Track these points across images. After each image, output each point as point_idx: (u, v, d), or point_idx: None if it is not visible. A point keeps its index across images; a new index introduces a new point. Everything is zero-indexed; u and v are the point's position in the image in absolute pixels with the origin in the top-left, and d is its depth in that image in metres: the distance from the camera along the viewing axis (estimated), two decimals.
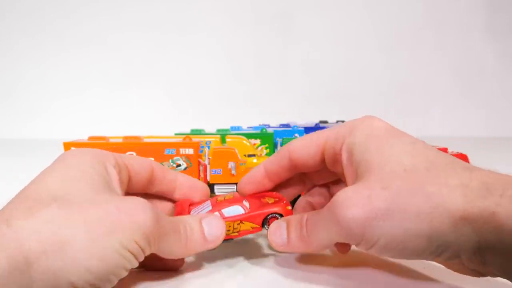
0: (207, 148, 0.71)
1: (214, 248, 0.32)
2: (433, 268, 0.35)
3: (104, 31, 1.88)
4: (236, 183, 0.62)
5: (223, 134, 0.77)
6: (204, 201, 0.37)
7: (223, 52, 1.93)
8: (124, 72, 1.88)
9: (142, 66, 1.89)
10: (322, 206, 0.38)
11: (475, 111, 1.92)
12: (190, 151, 0.65)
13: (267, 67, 1.94)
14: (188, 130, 0.91)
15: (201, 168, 0.59)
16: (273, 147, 0.83)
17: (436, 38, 1.97)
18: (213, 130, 0.91)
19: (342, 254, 0.36)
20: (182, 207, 0.36)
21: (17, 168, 0.98)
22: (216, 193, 0.62)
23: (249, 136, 0.81)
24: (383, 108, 1.88)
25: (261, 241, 0.42)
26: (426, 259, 0.27)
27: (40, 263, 0.23)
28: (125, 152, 0.64)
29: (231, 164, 0.61)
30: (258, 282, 0.33)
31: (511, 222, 0.23)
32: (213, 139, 0.74)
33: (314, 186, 0.39)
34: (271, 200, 0.36)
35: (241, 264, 0.36)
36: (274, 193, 0.38)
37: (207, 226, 0.31)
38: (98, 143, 0.64)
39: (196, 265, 0.36)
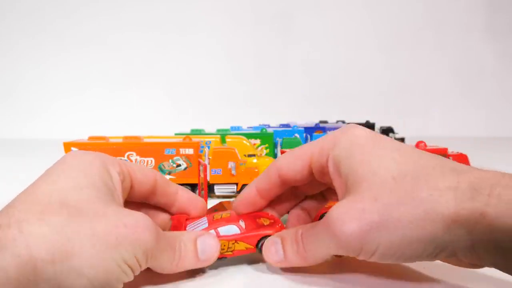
0: (207, 148, 0.71)
1: (207, 267, 0.32)
2: (433, 268, 0.35)
3: (104, 31, 1.88)
4: (236, 183, 0.62)
5: (223, 134, 0.77)
6: (200, 217, 0.38)
7: (223, 52, 1.93)
8: (124, 72, 1.88)
9: (142, 66, 1.89)
10: (316, 211, 0.38)
11: (475, 111, 1.92)
12: (190, 151, 0.65)
13: (267, 67, 1.94)
14: (188, 130, 0.91)
15: (201, 168, 0.59)
16: (273, 147, 0.83)
17: (436, 38, 1.97)
18: (213, 130, 0.91)
19: (342, 258, 0.36)
20: (179, 221, 0.37)
21: (17, 168, 0.98)
22: (216, 193, 0.62)
23: (249, 136, 0.81)
24: (383, 108, 1.88)
25: None
26: (425, 260, 0.27)
27: (47, 272, 0.24)
28: (125, 152, 0.64)
29: (231, 164, 0.61)
30: (257, 282, 0.33)
31: (500, 221, 0.23)
32: (213, 139, 0.74)
33: (307, 197, 0.39)
34: (266, 222, 0.36)
35: (241, 266, 0.36)
36: (270, 214, 0.38)
37: (201, 245, 0.32)
38: (98, 143, 0.64)
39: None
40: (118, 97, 1.86)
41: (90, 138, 0.67)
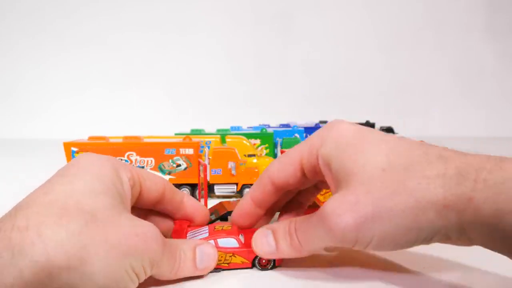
0: (207, 148, 0.71)
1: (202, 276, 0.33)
2: (433, 268, 0.35)
3: (104, 31, 1.88)
4: (236, 183, 0.62)
5: (223, 134, 0.77)
6: (202, 225, 0.38)
7: (223, 52, 1.93)
8: (124, 72, 1.88)
9: (142, 66, 1.89)
10: (308, 202, 0.39)
11: (475, 111, 1.92)
12: (190, 151, 0.65)
13: (267, 67, 1.94)
14: (188, 130, 0.91)
15: (201, 168, 0.59)
16: (273, 147, 0.83)
17: (436, 38, 1.97)
18: (213, 130, 0.91)
19: (341, 256, 0.36)
20: (180, 227, 0.37)
21: (17, 168, 0.98)
22: (216, 193, 0.62)
23: (249, 136, 0.81)
24: (383, 108, 1.88)
25: None
26: (419, 245, 0.28)
27: (61, 277, 0.24)
28: (125, 152, 0.64)
29: (231, 164, 0.61)
30: (258, 281, 0.33)
31: (486, 205, 0.24)
32: (213, 139, 0.74)
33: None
34: None
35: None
36: None
37: (200, 255, 0.32)
38: (98, 143, 0.64)
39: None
40: (118, 97, 1.86)
41: (90, 138, 0.67)
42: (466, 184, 0.25)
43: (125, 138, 0.67)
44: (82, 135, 0.71)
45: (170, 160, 0.65)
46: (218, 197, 0.62)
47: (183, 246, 0.32)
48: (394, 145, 0.29)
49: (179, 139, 0.69)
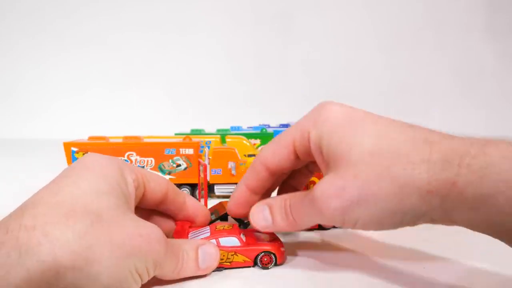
0: (207, 148, 0.71)
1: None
2: (433, 268, 0.35)
3: (104, 31, 1.88)
4: (236, 183, 0.62)
5: (223, 134, 0.77)
6: (203, 226, 0.39)
7: (223, 52, 1.93)
8: (124, 72, 1.88)
9: (142, 66, 1.89)
10: (302, 185, 0.40)
11: (475, 111, 1.92)
12: (190, 151, 0.65)
13: (267, 67, 1.94)
14: (188, 130, 0.91)
15: (201, 168, 0.59)
16: None
17: (436, 38, 1.97)
18: (213, 130, 0.91)
19: (342, 256, 0.36)
20: (182, 227, 0.38)
21: (17, 168, 0.98)
22: (216, 193, 0.62)
23: (249, 136, 0.81)
24: (383, 108, 1.87)
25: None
26: (405, 227, 0.30)
27: (67, 277, 0.24)
28: (125, 152, 0.64)
29: (231, 164, 0.61)
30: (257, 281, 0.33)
31: (470, 189, 0.25)
32: (213, 139, 0.74)
33: (293, 172, 0.40)
34: (267, 238, 0.37)
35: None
36: (272, 233, 0.39)
37: (202, 254, 0.33)
38: (98, 143, 0.64)
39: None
40: (118, 97, 1.86)
41: (90, 138, 0.67)
42: (450, 170, 0.26)
43: (125, 138, 0.67)
44: (82, 135, 0.71)
45: (170, 160, 0.65)
46: (218, 197, 0.62)
47: (186, 246, 0.32)
48: (382, 128, 0.30)
49: (179, 139, 0.69)
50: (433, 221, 0.28)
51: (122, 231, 0.27)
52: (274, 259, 0.35)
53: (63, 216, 0.25)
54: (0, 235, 0.24)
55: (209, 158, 0.63)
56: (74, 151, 0.62)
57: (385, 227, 0.30)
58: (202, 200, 0.57)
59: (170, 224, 0.39)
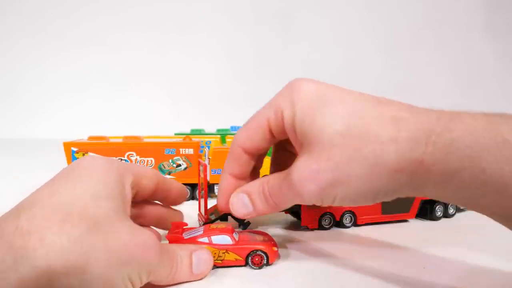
0: (207, 148, 0.71)
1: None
2: (433, 268, 0.35)
3: (104, 31, 1.88)
4: None
5: (223, 134, 0.77)
6: (196, 226, 0.39)
7: (223, 52, 1.93)
8: (124, 72, 1.88)
9: (142, 66, 1.89)
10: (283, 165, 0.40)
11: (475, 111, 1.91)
12: (190, 151, 0.65)
13: (267, 67, 1.94)
14: (188, 130, 0.91)
15: (201, 168, 0.59)
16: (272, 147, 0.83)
17: (436, 38, 1.97)
18: (213, 130, 0.91)
19: (339, 255, 0.36)
20: (177, 227, 0.39)
21: (17, 168, 0.98)
22: (216, 193, 0.62)
23: None
24: None
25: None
26: (381, 201, 0.31)
27: (60, 283, 0.24)
28: (125, 152, 0.64)
29: None
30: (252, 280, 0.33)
31: (437, 166, 0.26)
32: (213, 139, 0.74)
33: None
34: (260, 238, 0.38)
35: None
36: (265, 233, 0.40)
37: (196, 260, 0.33)
38: (98, 143, 0.64)
39: None
40: (118, 97, 1.85)
41: (90, 138, 0.67)
42: (417, 149, 0.27)
43: (125, 138, 0.67)
44: (82, 135, 0.71)
45: (170, 160, 0.65)
46: None
47: (180, 252, 0.33)
48: (351, 107, 0.30)
49: (179, 139, 0.69)
50: (406, 194, 0.30)
51: (118, 239, 0.27)
52: (265, 259, 0.35)
53: (59, 221, 0.25)
54: None
55: (209, 158, 0.63)
56: (74, 151, 0.62)
57: (361, 203, 0.31)
58: (202, 200, 0.57)
59: (158, 210, 0.40)
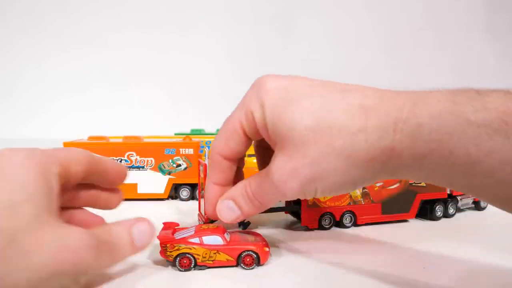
0: (207, 148, 0.71)
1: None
2: (433, 268, 0.35)
3: (104, 31, 1.88)
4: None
5: None
6: (188, 227, 0.39)
7: (223, 52, 1.93)
8: (124, 72, 1.88)
9: (142, 66, 1.89)
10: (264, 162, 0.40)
11: None
12: (190, 151, 0.65)
13: (267, 67, 1.94)
14: (188, 130, 0.91)
15: (201, 168, 0.59)
16: None
17: (436, 38, 1.97)
18: (213, 130, 0.91)
19: (338, 255, 0.36)
20: (168, 228, 0.39)
21: None
22: None
23: None
24: None
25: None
26: (360, 187, 0.33)
27: None
28: (125, 152, 0.64)
29: None
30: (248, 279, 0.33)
31: (406, 152, 0.27)
32: (213, 139, 0.74)
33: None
34: (251, 238, 0.38)
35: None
36: (258, 233, 0.40)
37: (137, 234, 0.32)
38: (98, 143, 0.64)
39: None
40: (118, 97, 1.85)
41: (90, 138, 0.67)
42: (386, 137, 0.28)
43: (125, 138, 0.67)
44: (82, 135, 0.71)
45: (170, 160, 0.65)
46: None
47: (118, 229, 0.31)
48: (318, 100, 0.31)
49: (179, 139, 0.69)
50: (384, 179, 0.32)
51: (43, 250, 0.24)
52: (256, 259, 0.36)
53: None
54: None
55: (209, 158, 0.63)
56: None
57: (342, 192, 0.33)
58: (202, 200, 0.57)
59: (94, 191, 0.36)
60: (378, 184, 0.50)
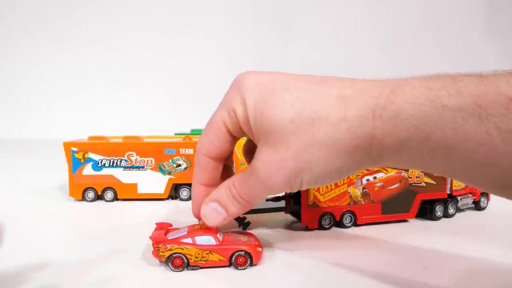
0: None
1: None
2: (433, 268, 0.35)
3: (104, 31, 1.88)
4: None
5: None
6: (181, 227, 0.39)
7: (223, 52, 1.93)
8: (124, 72, 1.88)
9: (142, 66, 1.89)
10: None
11: None
12: (190, 151, 0.65)
13: (267, 67, 1.93)
14: (188, 130, 0.91)
15: None
16: None
17: (436, 38, 1.97)
18: None
19: (338, 254, 0.36)
20: (162, 228, 0.39)
21: (17, 168, 0.97)
22: None
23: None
24: None
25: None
26: (345, 177, 0.33)
27: None
28: (125, 152, 0.64)
29: None
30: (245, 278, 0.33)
31: (387, 139, 0.28)
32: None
33: None
34: (244, 238, 0.38)
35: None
36: (251, 233, 0.40)
37: None
38: (98, 143, 0.64)
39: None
40: (118, 97, 1.86)
41: (90, 138, 0.67)
42: (366, 124, 0.28)
43: (125, 138, 0.67)
44: (82, 135, 0.71)
45: (170, 160, 0.65)
46: None
47: None
48: (297, 92, 0.31)
49: (179, 139, 0.69)
50: (369, 167, 0.31)
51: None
52: (249, 260, 0.36)
53: None
54: None
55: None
56: (74, 151, 0.62)
57: (328, 182, 0.33)
58: None
59: None
60: (378, 184, 0.50)
